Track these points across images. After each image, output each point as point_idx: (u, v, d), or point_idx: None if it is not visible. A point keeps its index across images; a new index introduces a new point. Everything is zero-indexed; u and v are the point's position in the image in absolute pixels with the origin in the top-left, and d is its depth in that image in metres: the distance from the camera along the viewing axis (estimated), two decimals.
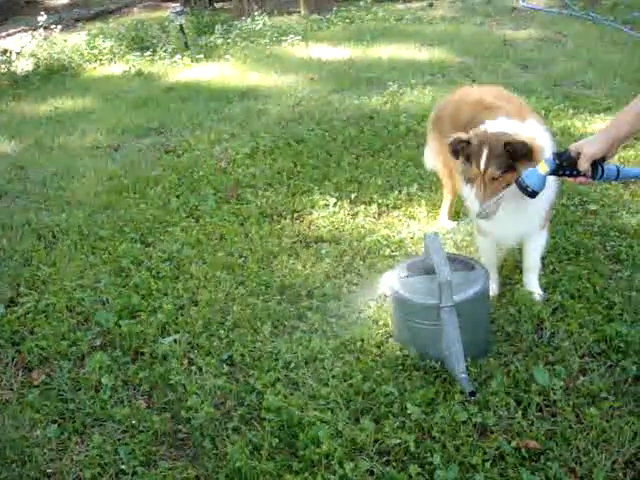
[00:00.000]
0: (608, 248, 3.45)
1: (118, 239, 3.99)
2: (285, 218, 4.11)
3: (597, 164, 2.37)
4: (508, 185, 2.65)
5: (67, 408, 2.66)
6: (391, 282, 2.81)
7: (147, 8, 15.96)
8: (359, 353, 2.79)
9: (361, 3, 12.04)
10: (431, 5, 12.25)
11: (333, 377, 2.64)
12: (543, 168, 2.43)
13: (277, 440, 2.35)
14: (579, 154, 2.36)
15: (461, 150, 2.79)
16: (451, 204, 3.82)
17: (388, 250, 3.60)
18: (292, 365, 2.75)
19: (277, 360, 2.79)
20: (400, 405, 2.45)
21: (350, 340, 2.87)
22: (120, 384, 2.77)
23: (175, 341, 2.98)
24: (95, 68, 9.83)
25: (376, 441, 2.33)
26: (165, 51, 9.76)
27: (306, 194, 4.37)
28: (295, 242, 3.82)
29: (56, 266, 3.73)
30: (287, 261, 3.60)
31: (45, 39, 11.08)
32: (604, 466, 2.16)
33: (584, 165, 2.35)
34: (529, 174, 2.45)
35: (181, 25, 10.31)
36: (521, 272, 3.18)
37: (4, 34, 13.61)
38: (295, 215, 4.15)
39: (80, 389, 2.76)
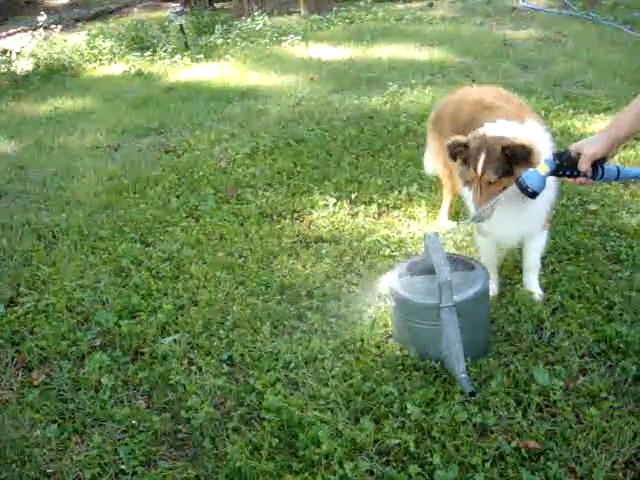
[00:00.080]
0: (608, 248, 3.45)
1: (118, 239, 3.99)
2: (285, 218, 4.11)
3: (597, 164, 2.37)
4: (505, 189, 2.65)
5: (67, 408, 2.66)
6: (391, 282, 2.81)
7: (147, 8, 15.96)
8: (359, 353, 2.78)
9: (361, 3, 12.05)
10: (431, 5, 12.25)
11: (333, 377, 2.64)
12: (543, 169, 2.44)
13: (277, 440, 2.35)
14: (579, 154, 2.36)
15: (459, 153, 2.79)
16: (451, 204, 3.82)
17: (388, 250, 3.60)
18: (292, 365, 2.75)
19: (277, 360, 2.79)
20: (400, 405, 2.45)
21: (350, 340, 2.87)
22: (120, 384, 2.77)
23: (175, 341, 2.98)
24: (95, 68, 9.84)
25: (376, 441, 2.33)
26: (165, 51, 9.77)
27: (306, 194, 4.37)
28: (295, 242, 3.82)
29: (56, 266, 3.73)
30: (287, 261, 3.60)
31: (45, 39, 11.08)
32: (604, 466, 2.16)
33: (584, 165, 2.35)
34: (529, 175, 2.45)
35: (181, 25, 10.31)
36: (521, 272, 3.18)
37: (4, 34, 13.61)
38: (295, 215, 4.15)
39: (80, 389, 2.76)
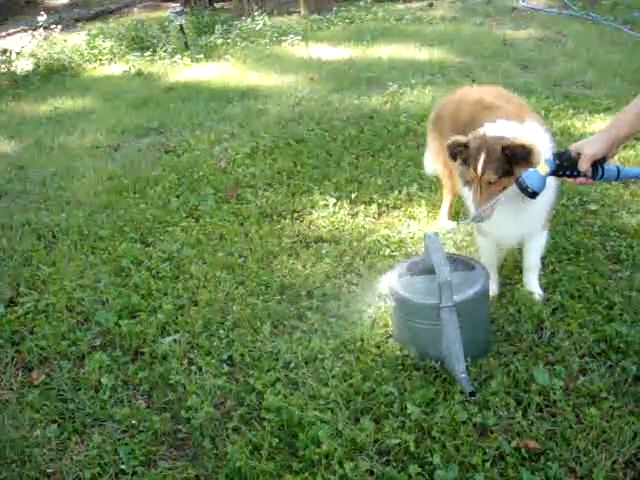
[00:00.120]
0: (608, 248, 3.45)
1: (118, 239, 3.99)
2: (285, 218, 4.11)
3: (597, 164, 2.37)
4: (505, 189, 2.65)
5: (67, 408, 2.66)
6: (391, 282, 2.81)
7: (147, 8, 15.97)
8: (359, 353, 2.78)
9: (361, 3, 12.05)
10: (431, 5, 12.25)
11: (333, 377, 2.64)
12: (543, 168, 2.43)
13: (277, 440, 2.35)
14: (579, 154, 2.36)
15: (459, 153, 2.79)
16: (451, 204, 3.82)
17: (388, 250, 3.60)
18: (292, 365, 2.75)
19: (277, 360, 2.79)
20: (400, 405, 2.45)
21: (350, 340, 2.87)
22: (120, 384, 2.77)
23: (175, 341, 2.98)
24: (95, 68, 9.84)
25: (376, 441, 2.33)
26: (165, 51, 9.77)
27: (306, 194, 4.37)
28: (295, 242, 3.82)
29: (56, 266, 3.73)
30: (287, 261, 3.60)
31: (45, 39, 11.09)
32: (604, 466, 2.16)
33: (584, 165, 2.35)
34: (529, 175, 2.45)
35: (181, 25, 10.32)
36: (521, 272, 3.18)
37: (4, 34, 13.61)
38: (295, 215, 4.15)
39: (80, 389, 2.76)
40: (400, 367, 2.67)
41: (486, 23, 10.22)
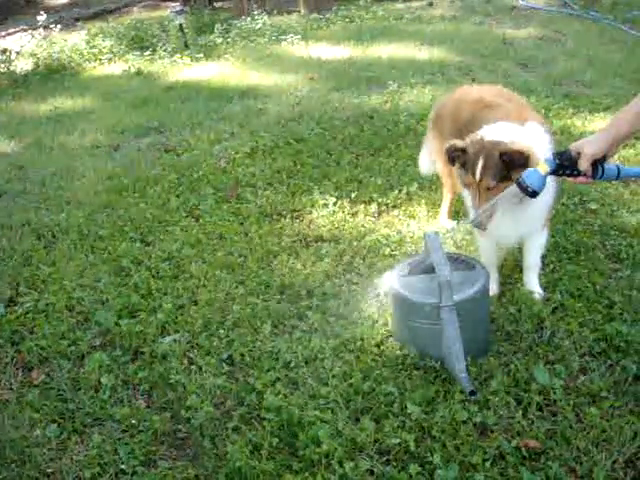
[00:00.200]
0: (608, 247, 3.45)
1: (118, 239, 3.99)
2: (285, 217, 4.11)
3: (597, 164, 2.36)
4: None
5: (67, 408, 2.66)
6: (391, 281, 2.80)
7: (147, 7, 15.95)
8: (359, 352, 2.78)
9: (361, 2, 12.05)
10: (431, 4, 12.25)
11: (333, 377, 2.63)
12: (543, 168, 2.43)
13: (277, 440, 2.35)
14: (579, 154, 2.36)
15: (457, 157, 2.79)
16: (451, 203, 3.82)
17: (388, 249, 3.60)
18: (292, 365, 2.74)
19: (277, 360, 2.79)
20: (400, 404, 2.45)
21: (350, 339, 2.86)
22: (120, 384, 2.77)
23: (175, 340, 2.98)
24: (95, 67, 9.84)
25: (376, 441, 2.33)
26: (165, 50, 9.77)
27: (306, 193, 4.37)
28: (295, 241, 3.82)
29: (56, 266, 3.72)
30: (287, 260, 3.59)
31: (45, 38, 11.09)
32: (604, 465, 2.16)
33: (584, 165, 2.35)
34: (529, 174, 2.45)
35: (181, 24, 10.32)
36: (521, 271, 3.18)
37: (4, 33, 13.60)
38: (295, 214, 4.15)
39: (80, 389, 2.76)
40: (400, 367, 2.67)
41: (486, 22, 10.22)
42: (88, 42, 10.57)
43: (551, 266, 3.28)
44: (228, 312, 3.17)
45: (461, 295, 2.58)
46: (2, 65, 9.72)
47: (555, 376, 2.53)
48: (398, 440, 2.29)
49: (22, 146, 6.22)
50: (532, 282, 3.10)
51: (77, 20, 14.47)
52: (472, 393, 2.39)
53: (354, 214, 4.06)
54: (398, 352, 2.75)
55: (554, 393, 2.45)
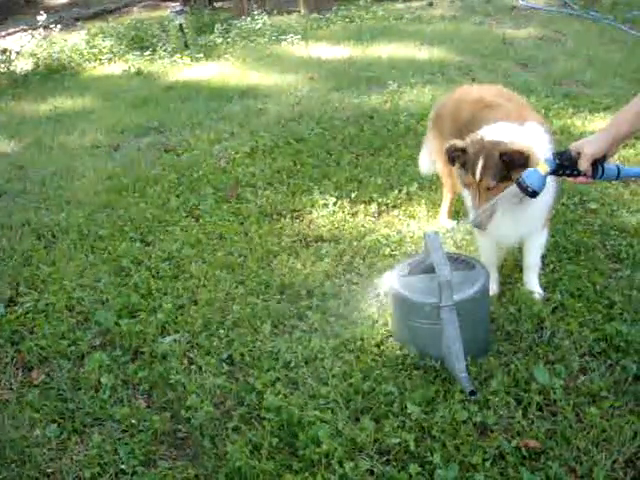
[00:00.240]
0: (608, 247, 3.45)
1: (118, 238, 3.99)
2: (285, 217, 4.11)
3: (597, 163, 2.36)
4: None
5: (67, 408, 2.66)
6: (391, 281, 2.80)
7: (147, 7, 15.96)
8: (359, 352, 2.78)
9: (361, 2, 12.06)
10: (431, 4, 12.26)
11: (333, 376, 2.63)
12: (543, 168, 2.43)
13: (277, 440, 2.35)
14: (579, 154, 2.35)
15: (457, 157, 2.79)
16: (451, 203, 3.82)
17: (388, 249, 3.60)
18: (292, 364, 2.74)
19: (277, 359, 2.79)
20: (400, 404, 2.45)
21: (350, 339, 2.86)
22: (120, 383, 2.77)
23: (175, 340, 2.98)
24: (95, 67, 9.84)
25: (376, 440, 2.33)
26: (165, 50, 9.77)
27: (306, 193, 4.37)
28: (295, 241, 3.82)
29: (56, 265, 3.72)
30: (287, 260, 3.59)
31: (45, 38, 11.09)
32: (604, 465, 2.16)
33: (584, 165, 2.35)
34: (529, 174, 2.45)
35: (181, 24, 10.32)
36: (521, 271, 3.18)
37: (4, 33, 13.60)
38: (295, 214, 4.15)
39: (80, 389, 2.76)
40: (400, 366, 2.67)
41: (486, 22, 10.22)
42: (88, 42, 10.58)
43: (551, 266, 3.28)
44: (228, 312, 3.17)
45: (461, 295, 2.58)
46: (2, 65, 9.72)
47: (555, 376, 2.53)
48: (398, 440, 2.29)
49: (22, 146, 6.22)
50: (532, 282, 3.10)
51: (77, 20, 14.48)
52: (472, 393, 2.39)
53: (354, 214, 4.06)
54: (398, 352, 2.75)
55: (554, 393, 2.45)
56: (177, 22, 10.36)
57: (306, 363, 2.75)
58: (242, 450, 2.30)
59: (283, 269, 3.51)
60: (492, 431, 2.33)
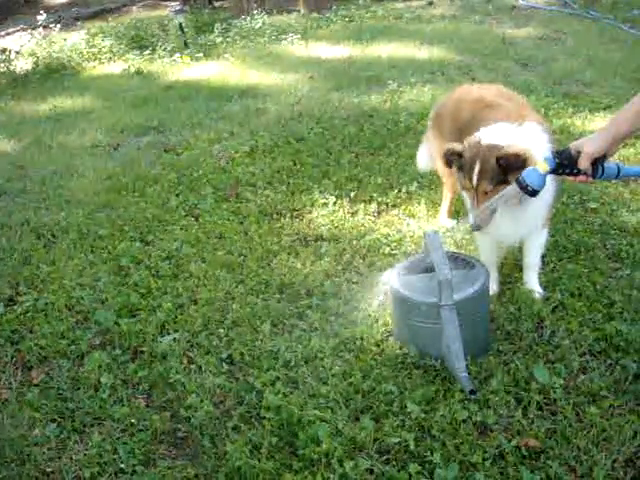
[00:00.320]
0: (608, 246, 3.45)
1: (117, 238, 3.99)
2: (285, 217, 4.11)
3: (597, 163, 2.36)
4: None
5: (66, 407, 2.65)
6: (391, 280, 2.80)
7: (146, 7, 15.96)
8: (359, 352, 2.78)
9: (360, 2, 12.06)
10: (431, 3, 12.26)
11: (333, 376, 2.63)
12: (543, 167, 2.43)
13: (277, 439, 2.34)
14: (579, 153, 2.35)
15: (454, 161, 2.79)
16: (451, 202, 3.82)
17: (388, 248, 3.59)
18: (292, 364, 2.74)
19: (277, 359, 2.79)
20: (400, 404, 2.45)
21: (350, 339, 2.86)
22: (119, 383, 2.77)
23: (174, 340, 2.98)
24: (94, 67, 9.84)
25: (376, 440, 2.33)
26: (164, 50, 9.77)
27: (306, 192, 4.37)
28: (295, 241, 3.82)
29: (55, 265, 3.72)
30: (287, 260, 3.59)
31: (44, 38, 11.09)
32: (604, 465, 2.16)
33: (584, 164, 2.35)
34: (529, 173, 2.45)
35: (180, 24, 10.32)
36: (521, 270, 3.17)
37: (3, 33, 13.61)
38: (295, 214, 4.15)
39: (79, 388, 2.75)
40: (400, 366, 2.67)
41: (486, 21, 10.23)
42: (88, 42, 10.57)
43: (551, 265, 3.28)
44: (228, 311, 3.16)
45: (461, 294, 2.58)
46: (2, 65, 9.73)
47: (555, 375, 2.53)
48: (398, 439, 2.29)
49: (22, 145, 6.22)
50: (532, 281, 3.10)
51: (77, 19, 14.48)
52: (472, 392, 2.38)
53: (354, 213, 4.06)
54: (398, 351, 2.75)
55: (554, 392, 2.45)
56: (177, 21, 10.37)
57: (306, 362, 2.75)
58: (242, 449, 2.29)
59: (283, 268, 3.51)
60: (492, 430, 2.33)
